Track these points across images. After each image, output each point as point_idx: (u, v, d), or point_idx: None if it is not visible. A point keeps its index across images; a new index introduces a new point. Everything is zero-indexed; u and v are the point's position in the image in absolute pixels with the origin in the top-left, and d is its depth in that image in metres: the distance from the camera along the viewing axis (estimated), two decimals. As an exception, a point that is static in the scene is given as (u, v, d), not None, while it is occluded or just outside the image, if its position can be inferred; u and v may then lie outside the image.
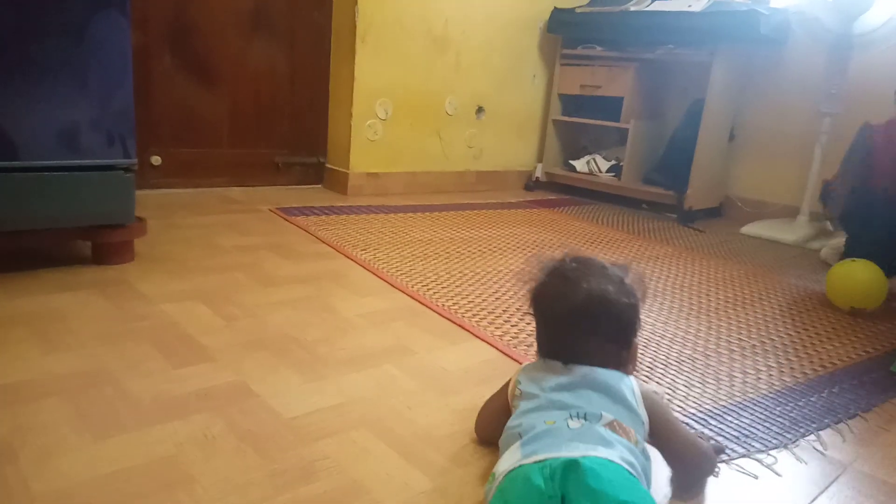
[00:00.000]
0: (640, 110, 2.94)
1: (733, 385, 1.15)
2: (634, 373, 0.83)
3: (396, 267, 1.65)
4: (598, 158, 3.11)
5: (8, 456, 0.74)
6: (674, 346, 1.31)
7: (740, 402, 1.08)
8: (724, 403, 1.07)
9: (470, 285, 1.56)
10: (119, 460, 0.75)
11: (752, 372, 1.22)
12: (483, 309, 1.41)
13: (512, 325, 1.33)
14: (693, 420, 1.00)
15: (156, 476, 0.73)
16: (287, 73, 2.50)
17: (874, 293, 1.64)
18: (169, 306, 1.24)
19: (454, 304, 1.42)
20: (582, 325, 0.78)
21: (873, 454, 0.96)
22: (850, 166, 1.89)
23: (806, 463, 0.92)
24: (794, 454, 0.93)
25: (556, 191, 3.20)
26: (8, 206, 1.27)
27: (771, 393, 1.13)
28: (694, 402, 1.06)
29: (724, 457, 0.90)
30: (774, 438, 0.97)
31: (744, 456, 0.91)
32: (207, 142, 2.36)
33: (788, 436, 0.98)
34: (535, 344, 0.85)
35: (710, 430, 0.98)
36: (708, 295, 1.70)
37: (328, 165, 2.64)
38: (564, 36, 3.05)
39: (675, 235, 2.46)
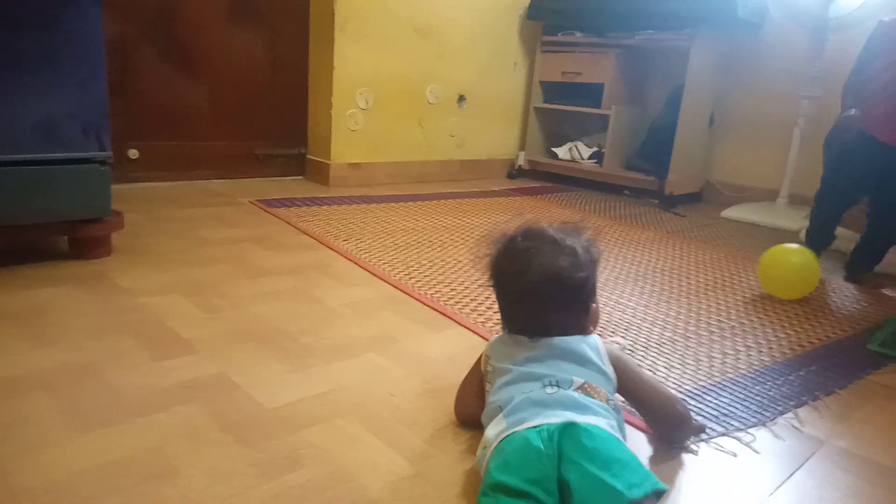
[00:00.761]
0: (622, 96, 2.95)
1: (712, 366, 1.17)
2: (597, 331, 0.86)
3: (379, 257, 1.65)
4: (580, 145, 3.12)
5: (-11, 452, 0.74)
6: (654, 329, 1.32)
7: (719, 383, 1.10)
8: (703, 384, 1.09)
9: (452, 273, 1.57)
10: (103, 453, 0.75)
11: (732, 353, 1.24)
12: (466, 297, 1.42)
13: (494, 312, 1.33)
14: (673, 400, 1.02)
15: (140, 468, 0.73)
16: (268, 64, 2.48)
17: (801, 283, 1.59)
18: (152, 299, 1.23)
19: (437, 292, 1.43)
20: (538, 302, 0.81)
21: (849, 430, 0.98)
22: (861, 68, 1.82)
23: (784, 440, 0.94)
24: (772, 431, 0.96)
25: (539, 178, 3.21)
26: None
27: (750, 373, 1.15)
28: (674, 382, 1.08)
29: (703, 436, 0.92)
30: (753, 417, 0.99)
31: (723, 434, 0.93)
32: (188, 134, 2.34)
33: (767, 414, 1.00)
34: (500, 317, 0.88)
35: (691, 410, 0.99)
36: (688, 278, 1.72)
37: (309, 157, 2.63)
38: (545, 22, 3.05)
39: (656, 220, 2.48)
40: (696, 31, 2.60)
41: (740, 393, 1.07)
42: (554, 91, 3.15)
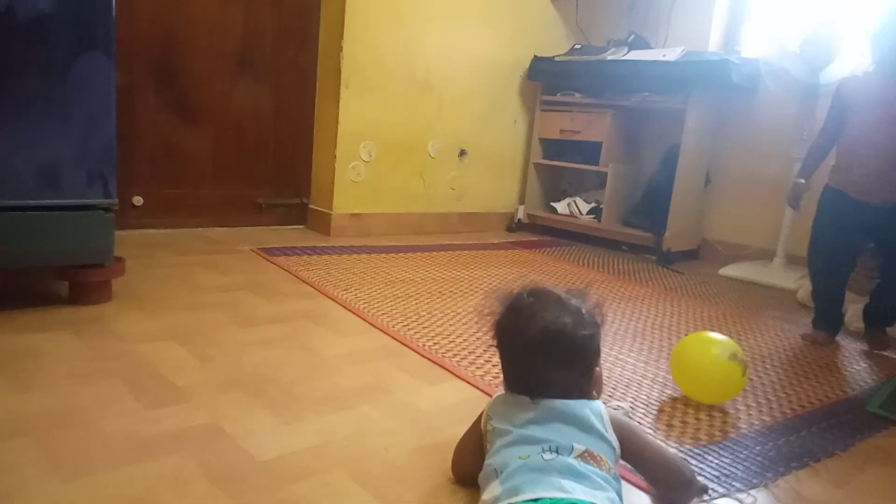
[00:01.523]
0: (619, 154, 3.01)
1: (713, 425, 1.15)
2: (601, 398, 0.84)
3: (377, 307, 1.64)
4: (579, 201, 3.16)
5: (-32, 500, 0.72)
6: (654, 387, 1.31)
7: (721, 442, 1.08)
8: (704, 443, 1.07)
9: (451, 325, 1.56)
10: (84, 503, 0.73)
11: (732, 412, 1.22)
12: (464, 349, 1.40)
13: (493, 365, 1.32)
14: (673, 460, 1.00)
15: (123, 520, 0.71)
16: (271, 115, 2.53)
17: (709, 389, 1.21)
18: (144, 346, 1.22)
19: (435, 343, 1.42)
20: (540, 358, 0.80)
21: (849, 496, 0.96)
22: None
23: None
24: (773, 494, 0.93)
25: (538, 232, 3.24)
26: (-17, 244, 1.25)
27: (751, 432, 1.13)
28: (675, 441, 1.06)
29: (705, 497, 0.89)
30: (754, 478, 0.97)
31: (724, 496, 0.91)
32: (190, 181, 2.37)
33: (768, 475, 0.98)
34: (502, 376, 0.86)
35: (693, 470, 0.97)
36: (687, 335, 1.71)
37: (311, 206, 2.66)
38: (544, 83, 3.13)
39: (654, 276, 2.48)
40: (690, 94, 2.68)
41: (741, 453, 1.04)
42: (553, 147, 3.21)
